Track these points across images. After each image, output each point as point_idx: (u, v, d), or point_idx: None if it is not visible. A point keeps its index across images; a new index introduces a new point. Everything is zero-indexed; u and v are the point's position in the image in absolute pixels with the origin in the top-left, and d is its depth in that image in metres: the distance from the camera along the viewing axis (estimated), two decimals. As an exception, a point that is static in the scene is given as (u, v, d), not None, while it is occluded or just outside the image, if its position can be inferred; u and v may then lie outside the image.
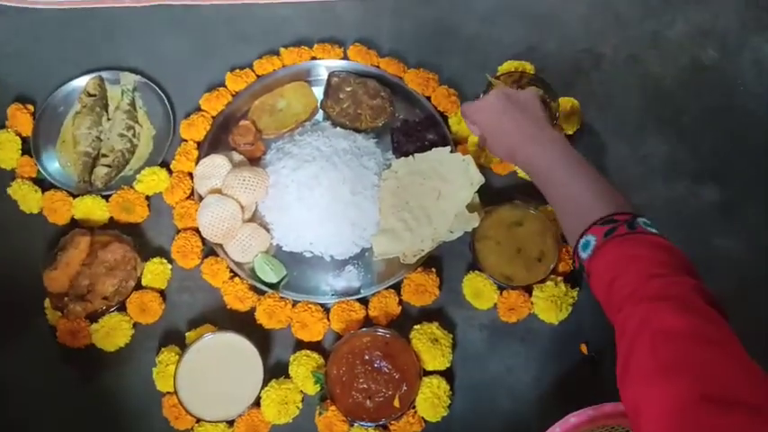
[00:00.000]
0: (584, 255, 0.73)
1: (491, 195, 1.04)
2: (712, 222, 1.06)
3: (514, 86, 1.09)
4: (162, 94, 1.12)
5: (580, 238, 0.73)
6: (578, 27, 1.22)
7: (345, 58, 1.15)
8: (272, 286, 0.99)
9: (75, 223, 1.03)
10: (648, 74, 1.17)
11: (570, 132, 1.10)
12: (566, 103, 1.10)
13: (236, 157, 1.07)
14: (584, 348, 0.98)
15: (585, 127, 1.12)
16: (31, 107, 1.10)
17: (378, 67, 1.14)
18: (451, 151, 1.03)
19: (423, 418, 0.92)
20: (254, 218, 1.04)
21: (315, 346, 0.96)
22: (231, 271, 1.00)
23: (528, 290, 0.98)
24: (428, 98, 1.12)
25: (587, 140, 1.11)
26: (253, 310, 0.98)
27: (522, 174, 1.06)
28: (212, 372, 0.92)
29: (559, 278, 0.98)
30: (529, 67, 1.13)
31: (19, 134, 1.07)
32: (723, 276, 0.99)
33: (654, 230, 0.71)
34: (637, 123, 1.13)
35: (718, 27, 1.21)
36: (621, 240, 0.70)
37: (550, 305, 0.96)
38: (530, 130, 0.85)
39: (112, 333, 0.95)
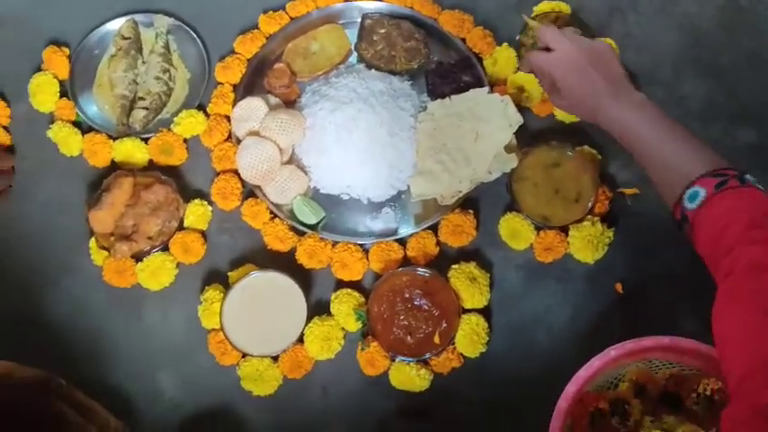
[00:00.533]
0: (690, 205, 0.74)
1: (528, 137, 1.05)
2: (748, 164, 1.04)
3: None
4: (196, 37, 1.11)
5: (686, 189, 0.74)
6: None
7: (379, -1, 1.14)
8: (311, 227, 1.00)
9: (114, 166, 1.04)
10: (686, 14, 1.16)
11: (607, 74, 1.10)
12: (602, 44, 1.09)
13: (272, 99, 1.07)
14: (619, 287, 0.99)
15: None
16: (66, 50, 1.10)
17: (412, 8, 1.13)
18: (489, 92, 1.03)
19: (462, 354, 0.94)
20: (292, 160, 1.05)
21: (355, 286, 0.98)
22: (271, 212, 1.02)
23: (564, 230, 0.99)
24: (463, 40, 1.11)
25: (623, 82, 1.11)
26: (293, 250, 1.00)
27: (560, 115, 1.06)
28: (257, 309, 0.94)
29: (596, 218, 0.99)
30: (565, 7, 1.12)
31: (56, 77, 1.08)
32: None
33: (762, 187, 0.73)
34: (674, 65, 1.12)
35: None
36: (734, 192, 0.71)
37: (587, 244, 0.97)
38: (613, 90, 0.84)
39: (157, 272, 0.97)
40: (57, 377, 0.77)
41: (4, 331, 0.94)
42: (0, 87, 1.09)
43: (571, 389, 0.82)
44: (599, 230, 0.98)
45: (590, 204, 0.99)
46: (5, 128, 1.06)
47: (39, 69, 1.09)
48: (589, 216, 0.99)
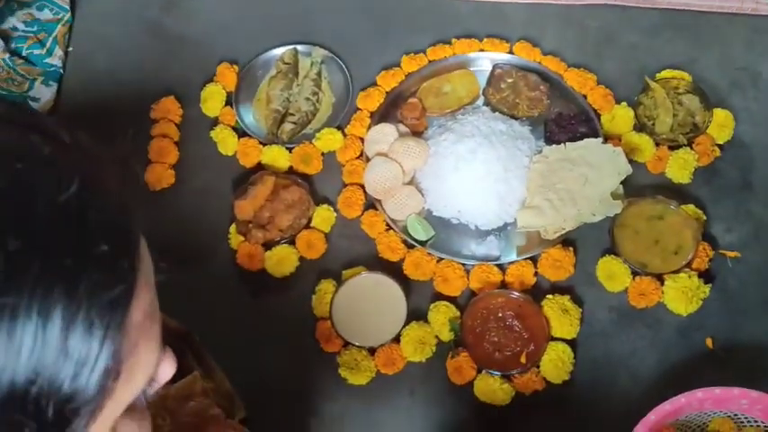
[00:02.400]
0: None
1: (635, 189, 1.11)
2: None
3: (672, 92, 1.16)
4: (345, 69, 1.27)
5: None
6: (739, 47, 1.26)
7: (510, 52, 1.26)
8: (421, 243, 1.11)
9: (260, 167, 1.20)
10: (808, 96, 1.19)
11: (720, 142, 1.15)
12: (719, 113, 1.15)
13: (402, 128, 1.20)
14: (709, 343, 1.02)
15: (736, 140, 1.16)
16: (236, 67, 1.28)
17: (540, 63, 1.24)
18: (603, 143, 1.11)
19: (545, 378, 1.00)
20: (412, 182, 1.16)
21: (451, 300, 1.07)
22: (387, 225, 1.13)
23: (660, 279, 1.04)
24: (584, 96, 1.20)
25: (736, 152, 1.15)
26: (401, 261, 1.10)
27: (671, 174, 1.12)
28: (362, 305, 1.04)
29: (693, 272, 1.03)
30: (686, 76, 1.19)
31: (224, 88, 1.26)
32: None
33: None
34: (789, 142, 1.16)
35: None
36: None
37: (681, 296, 1.01)
38: None
39: (282, 261, 1.10)
40: (193, 333, 0.90)
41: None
42: (177, 92, 1.28)
43: (652, 417, 0.85)
44: (695, 284, 1.01)
45: (689, 258, 1.03)
46: (177, 125, 1.25)
47: (211, 80, 1.28)
48: (686, 269, 1.03)
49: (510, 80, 1.22)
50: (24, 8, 1.30)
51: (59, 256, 0.36)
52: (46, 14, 1.30)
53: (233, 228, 1.13)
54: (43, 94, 1.25)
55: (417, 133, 1.21)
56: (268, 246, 1.11)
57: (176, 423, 0.65)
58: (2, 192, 0.37)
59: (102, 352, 0.37)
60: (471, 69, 1.26)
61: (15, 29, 1.28)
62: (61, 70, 1.29)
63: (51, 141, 0.41)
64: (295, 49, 1.30)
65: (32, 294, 0.35)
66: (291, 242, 1.12)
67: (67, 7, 1.33)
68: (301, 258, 1.12)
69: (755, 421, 0.89)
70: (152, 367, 0.44)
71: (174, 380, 0.82)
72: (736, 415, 0.90)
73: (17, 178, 0.37)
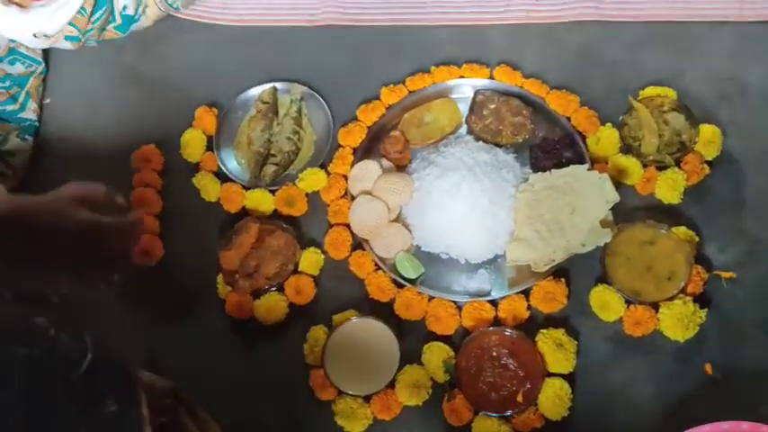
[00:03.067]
0: None
1: (624, 214, 1.09)
2: None
3: (656, 111, 1.14)
4: (324, 104, 1.26)
5: None
6: (724, 57, 1.24)
7: (491, 77, 1.24)
8: (411, 281, 1.09)
9: (245, 212, 1.18)
10: (796, 105, 1.17)
11: (709, 159, 1.13)
12: (706, 129, 1.13)
13: (386, 163, 1.18)
14: (708, 369, 1.00)
15: (725, 155, 1.14)
16: (215, 110, 1.27)
17: (521, 87, 1.22)
18: (589, 169, 1.09)
19: (543, 415, 0.98)
20: (399, 219, 1.15)
21: (445, 339, 1.05)
22: (375, 264, 1.11)
23: (655, 306, 1.02)
24: (568, 118, 1.18)
25: (726, 168, 1.13)
26: (392, 301, 1.09)
27: (661, 195, 1.10)
28: (355, 351, 1.03)
29: (688, 297, 1.01)
30: (671, 93, 1.17)
31: (204, 133, 1.25)
32: None
33: None
34: (780, 154, 1.14)
35: None
36: None
37: (677, 323, 0.99)
38: None
39: (271, 309, 1.09)
40: (184, 389, 0.88)
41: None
42: (157, 139, 1.27)
43: None
44: (690, 310, 1.00)
45: (683, 284, 1.01)
46: (159, 173, 1.23)
47: (191, 125, 1.26)
48: (681, 295, 1.01)
49: (492, 106, 1.20)
50: (-6, 63, 1.28)
51: (82, 426, 0.41)
52: (18, 68, 1.28)
53: (220, 278, 1.12)
54: (19, 148, 1.23)
55: (401, 167, 1.19)
56: (256, 294, 1.10)
57: None
58: (22, 378, 0.41)
59: None
60: (452, 97, 1.24)
61: (-15, 85, 1.26)
62: (36, 123, 1.28)
63: (49, 312, 0.44)
64: (274, 88, 1.28)
65: None
66: (280, 289, 1.11)
67: (40, 60, 1.31)
68: (291, 305, 1.10)
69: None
70: None
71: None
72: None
73: (32, 361, 0.42)
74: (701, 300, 1.02)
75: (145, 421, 0.45)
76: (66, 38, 1.26)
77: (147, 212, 1.18)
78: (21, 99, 1.26)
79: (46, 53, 1.33)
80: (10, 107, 1.24)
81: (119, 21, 1.30)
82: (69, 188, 0.88)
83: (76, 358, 0.42)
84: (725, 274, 1.05)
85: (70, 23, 1.23)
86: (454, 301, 1.07)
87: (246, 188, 1.19)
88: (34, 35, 1.23)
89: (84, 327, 0.44)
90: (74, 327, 0.44)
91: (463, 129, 1.22)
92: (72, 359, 0.42)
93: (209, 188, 1.20)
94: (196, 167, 1.23)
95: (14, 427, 0.39)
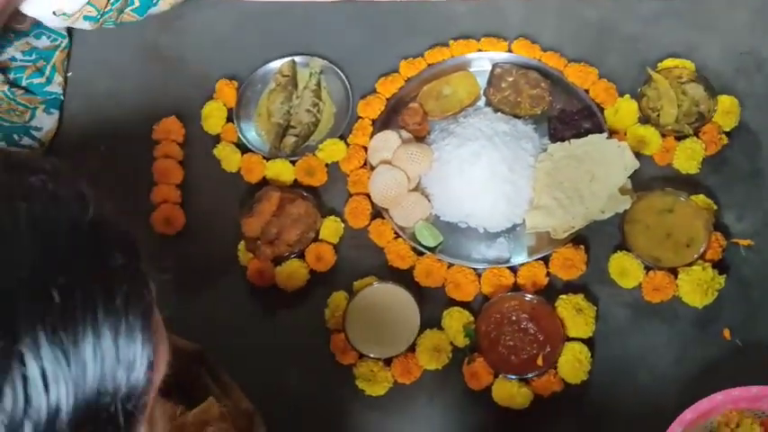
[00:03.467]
0: None
1: (643, 184, 1.10)
2: None
3: (675, 82, 1.15)
4: (343, 77, 1.27)
5: None
6: (741, 31, 1.24)
7: (509, 51, 1.25)
8: (430, 250, 1.10)
9: (265, 182, 1.19)
10: (814, 77, 1.18)
11: (727, 129, 1.13)
12: (725, 100, 1.14)
13: (405, 134, 1.19)
14: (727, 334, 1.01)
15: (743, 125, 1.14)
16: (235, 83, 1.28)
17: (539, 60, 1.23)
18: (608, 138, 1.10)
19: (563, 379, 0.99)
20: (418, 188, 1.16)
21: (465, 305, 1.06)
22: (395, 233, 1.12)
23: (674, 272, 1.03)
24: (586, 91, 1.19)
25: (744, 138, 1.14)
26: (412, 268, 1.09)
27: (679, 165, 1.11)
28: (375, 316, 1.04)
29: (707, 263, 1.01)
30: (689, 65, 1.17)
31: (225, 105, 1.26)
32: None
33: None
34: (796, 125, 1.14)
35: None
36: None
37: (696, 288, 1.00)
38: None
39: (292, 276, 1.10)
40: (207, 352, 0.90)
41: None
42: (178, 111, 1.28)
43: (688, 416, 0.84)
44: (709, 275, 1.00)
45: (702, 250, 1.02)
46: (180, 145, 1.25)
47: (211, 98, 1.27)
48: (700, 261, 1.02)
49: (510, 79, 1.21)
50: (22, 37, 1.30)
51: (94, 280, 0.41)
52: (44, 42, 1.30)
53: (241, 245, 1.13)
54: (45, 122, 1.25)
55: (420, 138, 1.20)
56: (277, 261, 1.11)
57: None
58: (28, 233, 0.40)
59: (143, 351, 0.42)
60: (471, 70, 1.25)
61: (14, 59, 1.28)
62: (62, 97, 1.30)
63: (44, 175, 0.44)
64: (293, 61, 1.29)
65: (84, 320, 0.39)
66: (301, 256, 1.12)
67: (65, 33, 1.33)
68: (311, 271, 1.11)
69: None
70: (168, 354, 0.48)
71: (191, 405, 0.83)
72: (764, 413, 0.89)
73: (35, 215, 0.41)
74: (720, 267, 1.03)
75: (148, 278, 0.45)
76: (85, 18, 1.26)
77: (169, 182, 1.20)
78: (47, 73, 1.28)
79: (69, 28, 1.35)
80: (37, 80, 1.26)
81: (137, 4, 1.30)
82: None
83: (78, 211, 0.42)
84: (743, 242, 1.05)
85: (89, 3, 1.24)
86: (473, 268, 1.08)
87: (267, 159, 1.20)
88: (54, 13, 1.24)
89: (81, 184, 0.44)
90: (71, 184, 0.44)
91: (481, 101, 1.23)
92: (74, 212, 0.42)
93: (229, 159, 1.21)
94: (217, 139, 1.24)
95: (23, 283, 0.38)
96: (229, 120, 1.25)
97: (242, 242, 1.13)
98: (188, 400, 0.83)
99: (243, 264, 1.13)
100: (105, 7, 1.26)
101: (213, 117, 1.25)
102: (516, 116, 1.18)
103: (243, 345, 1.08)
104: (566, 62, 1.22)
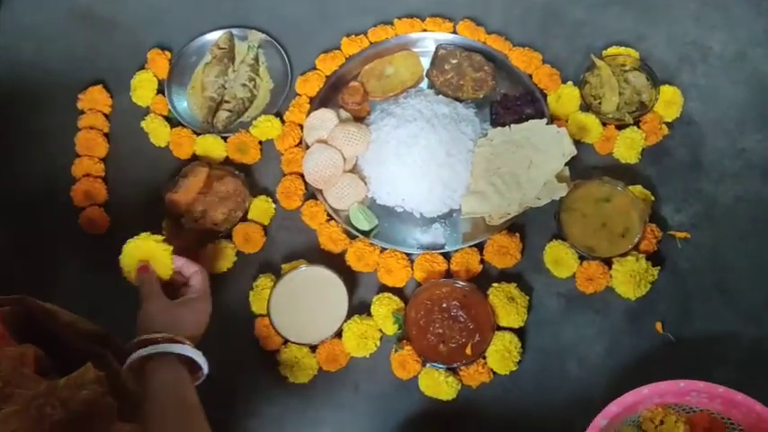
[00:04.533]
0: None
1: (581, 171, 1.08)
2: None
3: (618, 70, 1.13)
4: (283, 53, 1.22)
5: None
6: (688, 21, 1.23)
7: (454, 32, 1.21)
8: (364, 234, 1.06)
9: (195, 158, 1.14)
10: (755, 71, 1.17)
11: (669, 120, 1.12)
12: (667, 90, 1.12)
13: (344, 114, 1.15)
14: (659, 327, 0.99)
15: (685, 116, 1.13)
16: (168, 53, 1.22)
17: (484, 43, 1.20)
18: (548, 124, 1.07)
19: (492, 369, 0.96)
20: (354, 170, 1.12)
21: (397, 292, 1.03)
22: (328, 215, 1.08)
23: (608, 263, 1.01)
24: (530, 76, 1.16)
25: (685, 129, 1.12)
26: (344, 252, 1.06)
27: (619, 155, 1.09)
28: (302, 300, 1.00)
29: (641, 255, 1.00)
30: (634, 53, 1.15)
31: (156, 76, 1.20)
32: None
33: None
34: (738, 118, 1.13)
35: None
36: None
37: (629, 279, 0.98)
38: None
39: (218, 257, 1.05)
40: (112, 334, 0.85)
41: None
42: (106, 81, 1.22)
43: (613, 408, 0.82)
44: (642, 267, 0.99)
45: (636, 240, 1.00)
46: (106, 116, 1.18)
47: (142, 68, 1.21)
48: (634, 252, 1.00)
49: (454, 61, 1.18)
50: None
51: None
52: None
53: (165, 223, 1.07)
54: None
55: (359, 118, 1.16)
56: (203, 240, 1.06)
57: (67, 411, 0.62)
58: None
59: None
60: (414, 51, 1.21)
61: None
62: (-16, 63, 1.22)
63: None
64: (230, 34, 1.24)
65: None
66: (228, 236, 1.07)
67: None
68: (239, 253, 1.07)
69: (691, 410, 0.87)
70: None
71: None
72: (691, 408, 0.88)
73: None
74: (655, 259, 1.02)
75: None
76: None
77: (92, 155, 1.14)
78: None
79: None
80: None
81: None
82: None
83: None
84: (679, 234, 1.04)
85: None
86: (407, 254, 1.04)
87: (198, 134, 1.15)
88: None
89: None
90: None
91: (424, 83, 1.19)
92: None
93: (158, 132, 1.15)
94: (146, 111, 1.18)
95: None
96: (160, 92, 1.19)
97: (166, 219, 1.07)
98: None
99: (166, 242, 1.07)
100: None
101: (143, 88, 1.19)
102: (458, 99, 1.15)
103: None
104: (510, 46, 1.19)
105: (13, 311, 0.77)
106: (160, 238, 0.89)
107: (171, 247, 0.89)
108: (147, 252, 0.89)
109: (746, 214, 1.05)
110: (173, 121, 1.17)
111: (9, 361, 0.67)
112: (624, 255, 1.00)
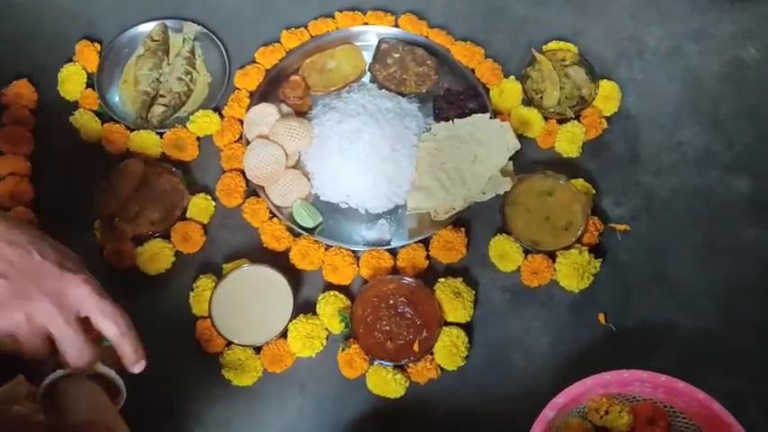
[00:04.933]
0: None
1: (525, 165, 1.08)
2: (741, 213, 1.08)
3: (558, 65, 1.14)
4: (220, 45, 1.18)
5: None
6: (625, 16, 1.25)
7: (396, 26, 1.20)
8: (308, 231, 1.04)
9: (129, 155, 1.09)
10: (690, 67, 1.20)
11: (607, 114, 1.14)
12: (606, 85, 1.14)
13: (285, 108, 1.12)
14: (602, 318, 1.01)
15: (623, 111, 1.15)
16: (98, 45, 1.16)
17: (426, 37, 1.19)
18: (491, 118, 1.07)
19: (440, 365, 0.96)
20: (297, 166, 1.09)
21: (343, 290, 1.01)
22: (270, 212, 1.05)
23: (552, 257, 1.02)
24: (472, 70, 1.16)
25: (624, 124, 1.15)
26: (288, 250, 1.03)
27: (561, 149, 1.10)
28: (245, 300, 0.97)
29: (584, 247, 1.01)
30: (573, 48, 1.17)
31: (85, 69, 1.14)
32: (750, 266, 1.02)
33: None
34: (674, 112, 1.16)
35: (763, 29, 1.24)
36: None
37: (573, 272, 0.99)
38: None
39: (155, 257, 1.01)
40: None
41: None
42: (31, 74, 1.15)
43: (560, 400, 0.83)
44: (586, 259, 1.00)
45: (579, 233, 1.01)
46: (32, 111, 1.12)
47: (70, 60, 1.15)
48: (577, 245, 1.01)
49: (397, 55, 1.16)
50: None
51: None
52: None
53: (98, 223, 1.02)
54: None
55: (301, 113, 1.14)
56: (138, 241, 1.01)
57: None
58: None
59: None
60: (356, 44, 1.19)
61: None
62: None
63: None
64: (164, 25, 1.19)
65: None
66: (166, 236, 1.03)
67: None
68: (177, 253, 1.03)
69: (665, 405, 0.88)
70: None
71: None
72: (635, 398, 0.89)
73: None
74: (597, 251, 1.03)
75: None
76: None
77: (17, 152, 1.07)
78: None
79: None
80: None
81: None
82: None
83: None
84: (620, 227, 1.06)
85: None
86: (353, 251, 1.03)
87: (131, 129, 1.10)
88: None
89: None
90: None
91: (367, 77, 1.17)
92: None
93: (88, 127, 1.10)
94: (75, 106, 1.13)
95: None
96: (90, 85, 1.14)
97: (98, 220, 1.02)
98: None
99: (99, 244, 1.02)
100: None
101: (71, 81, 1.13)
102: (401, 94, 1.14)
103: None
104: (453, 40, 1.19)
105: None
106: None
107: None
108: None
109: (683, 206, 1.08)
110: (104, 117, 1.11)
111: None
112: (568, 248, 1.01)
